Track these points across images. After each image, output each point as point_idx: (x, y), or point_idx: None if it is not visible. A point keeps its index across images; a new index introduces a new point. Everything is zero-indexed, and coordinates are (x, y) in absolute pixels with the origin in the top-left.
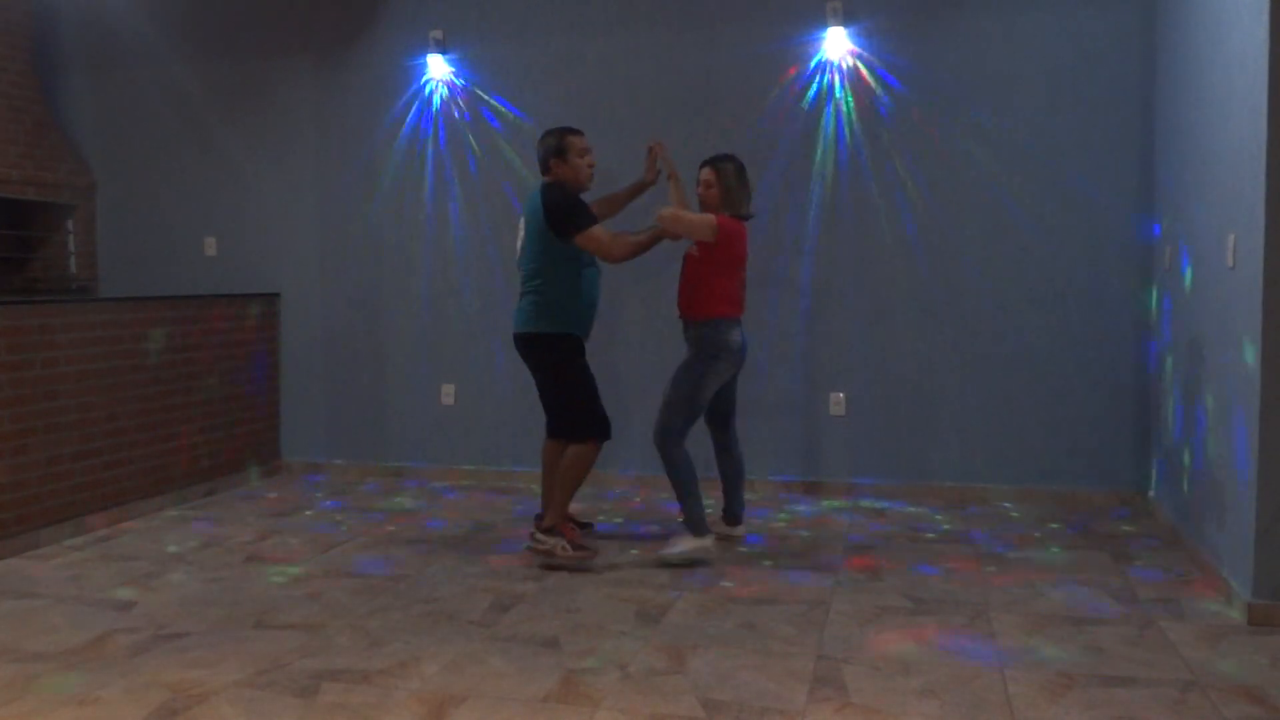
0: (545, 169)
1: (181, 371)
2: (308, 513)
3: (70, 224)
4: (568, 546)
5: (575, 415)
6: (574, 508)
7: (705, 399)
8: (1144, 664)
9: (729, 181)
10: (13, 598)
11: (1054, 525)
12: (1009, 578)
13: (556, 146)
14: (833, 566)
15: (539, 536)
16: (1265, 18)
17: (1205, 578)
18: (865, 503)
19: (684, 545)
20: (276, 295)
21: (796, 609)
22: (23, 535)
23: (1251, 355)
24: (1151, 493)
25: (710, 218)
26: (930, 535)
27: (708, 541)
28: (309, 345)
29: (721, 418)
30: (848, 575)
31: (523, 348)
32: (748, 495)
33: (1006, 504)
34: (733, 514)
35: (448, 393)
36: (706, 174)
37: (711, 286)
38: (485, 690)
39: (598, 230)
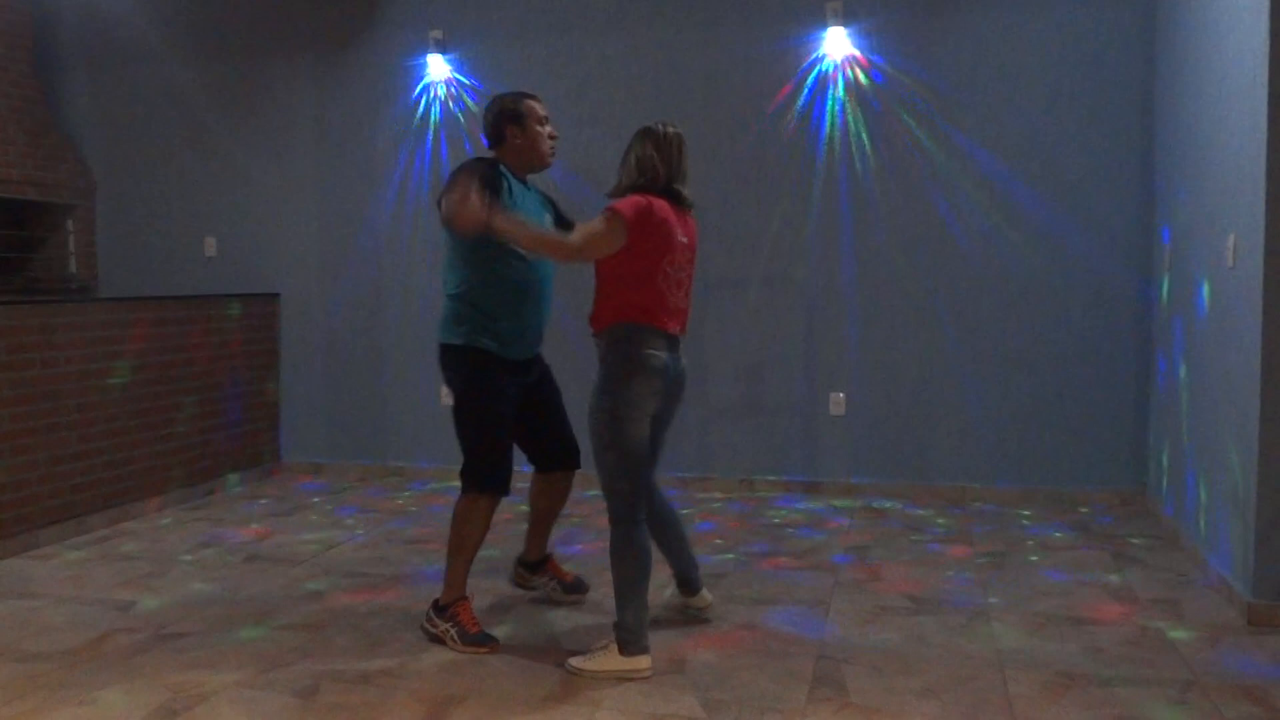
0: (498, 139)
1: (181, 371)
2: (308, 513)
3: (70, 224)
4: (457, 638)
5: (468, 455)
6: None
7: (636, 441)
8: (1144, 664)
9: (625, 156)
10: (13, 598)
11: (1054, 525)
12: (1009, 578)
13: (513, 111)
14: (833, 566)
15: (430, 614)
16: (1265, 18)
17: (1205, 578)
18: (865, 503)
19: (605, 661)
20: (276, 295)
21: (796, 609)
22: (23, 535)
23: (1251, 355)
24: (1151, 493)
25: (603, 220)
26: (930, 535)
27: (642, 663)
28: (309, 345)
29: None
30: (848, 575)
31: (439, 361)
32: (747, 495)
33: (1006, 504)
34: (683, 578)
35: (448, 393)
36: None
37: (619, 284)
38: (485, 690)
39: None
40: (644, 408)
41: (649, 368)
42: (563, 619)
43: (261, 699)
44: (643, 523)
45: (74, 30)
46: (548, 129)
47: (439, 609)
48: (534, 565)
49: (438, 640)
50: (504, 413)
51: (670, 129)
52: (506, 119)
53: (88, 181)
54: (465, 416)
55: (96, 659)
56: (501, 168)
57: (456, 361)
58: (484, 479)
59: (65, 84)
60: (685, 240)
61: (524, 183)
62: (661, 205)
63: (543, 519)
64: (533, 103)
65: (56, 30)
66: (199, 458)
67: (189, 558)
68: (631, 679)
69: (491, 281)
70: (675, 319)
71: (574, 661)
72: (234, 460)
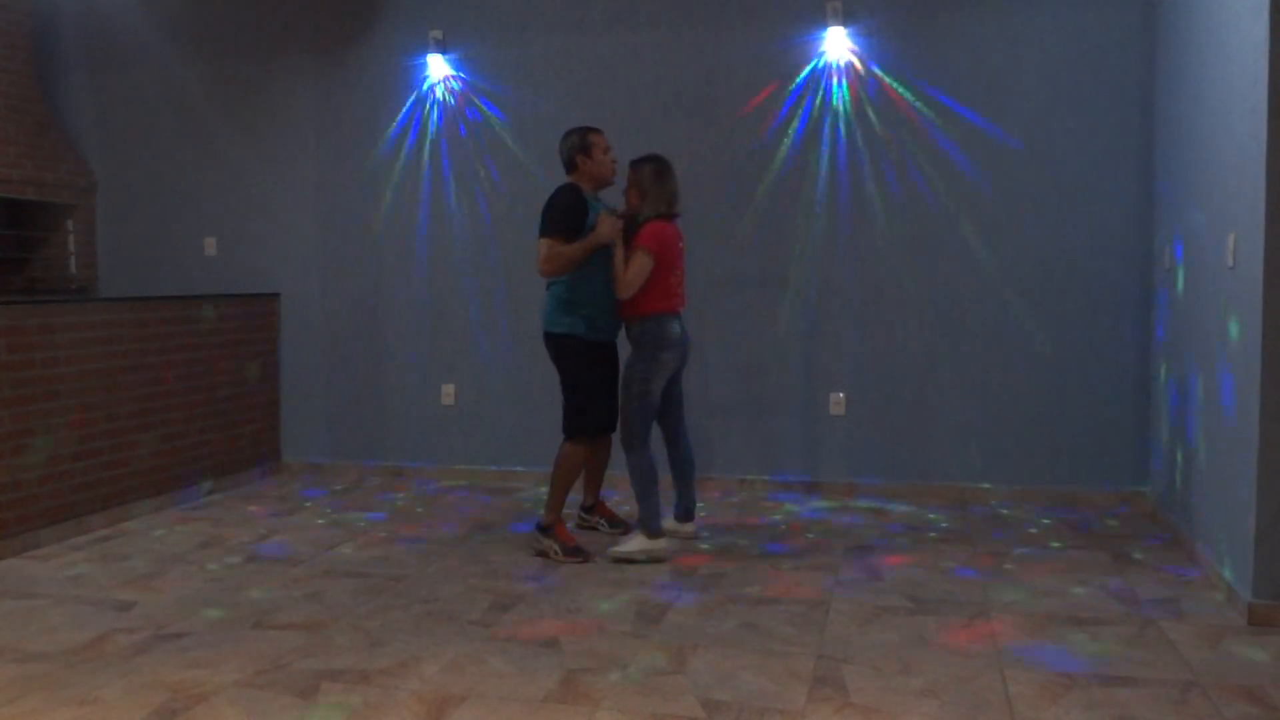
0: (570, 167)
1: (181, 371)
2: (308, 513)
3: (70, 224)
4: (559, 550)
5: (570, 415)
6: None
7: (656, 395)
8: (1144, 664)
9: (644, 184)
10: (13, 598)
11: (1054, 525)
12: (1009, 578)
13: (580, 143)
14: (833, 566)
15: (537, 534)
16: (1265, 18)
17: (1205, 578)
18: (865, 503)
19: (635, 544)
20: (276, 295)
21: (796, 609)
22: (23, 535)
23: (1251, 355)
24: (1151, 492)
25: (642, 256)
26: (930, 535)
27: (660, 544)
28: (309, 345)
29: (670, 411)
30: (848, 575)
31: (545, 343)
32: (746, 494)
33: (1006, 504)
34: (683, 510)
35: (448, 393)
36: (629, 176)
37: (646, 287)
38: (485, 690)
39: (545, 241)
40: (667, 371)
41: (672, 342)
42: (562, 619)
43: (261, 699)
44: (649, 448)
45: (74, 30)
46: (610, 156)
47: (543, 529)
48: (589, 508)
49: (544, 555)
50: (593, 382)
51: (665, 161)
52: (576, 150)
53: (88, 181)
54: (566, 385)
55: (96, 659)
56: (580, 188)
57: (554, 345)
58: (579, 430)
59: (65, 84)
60: (682, 245)
61: (595, 198)
62: (669, 231)
63: (593, 473)
64: (596, 136)
65: (56, 30)
66: (199, 458)
67: (189, 558)
68: (661, 560)
69: (580, 279)
70: (682, 301)
71: (615, 550)
72: (234, 460)
